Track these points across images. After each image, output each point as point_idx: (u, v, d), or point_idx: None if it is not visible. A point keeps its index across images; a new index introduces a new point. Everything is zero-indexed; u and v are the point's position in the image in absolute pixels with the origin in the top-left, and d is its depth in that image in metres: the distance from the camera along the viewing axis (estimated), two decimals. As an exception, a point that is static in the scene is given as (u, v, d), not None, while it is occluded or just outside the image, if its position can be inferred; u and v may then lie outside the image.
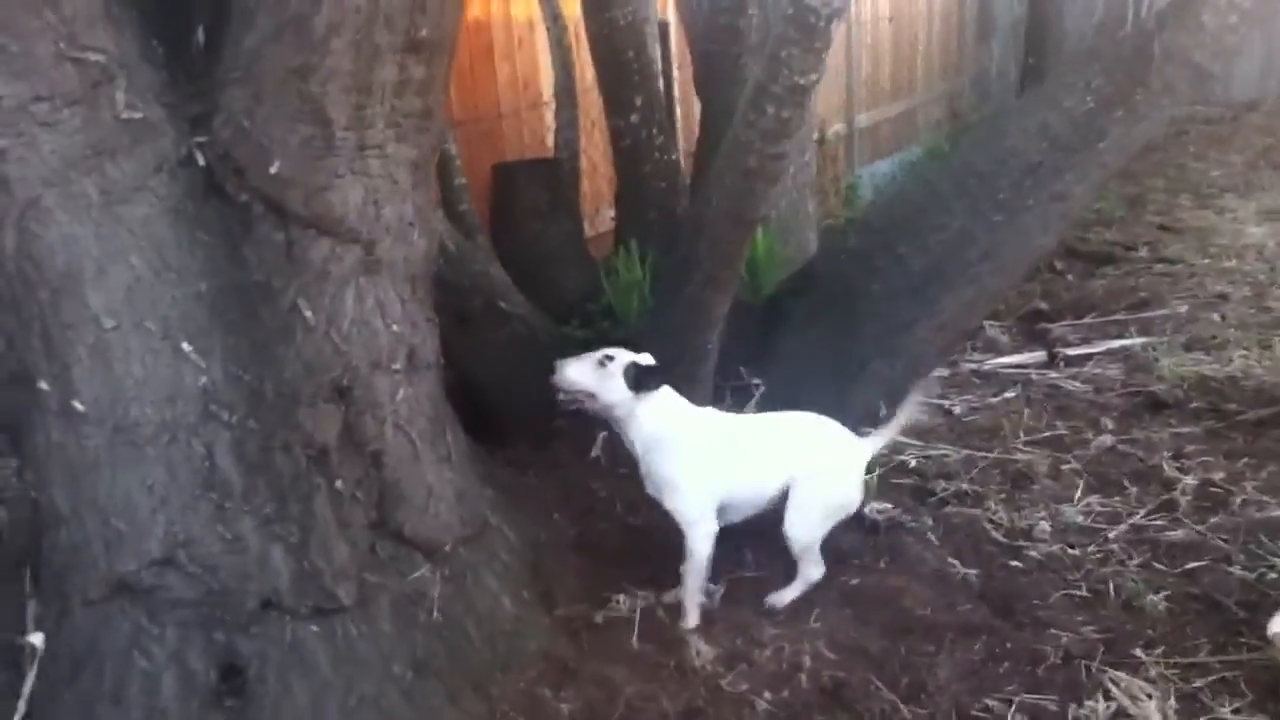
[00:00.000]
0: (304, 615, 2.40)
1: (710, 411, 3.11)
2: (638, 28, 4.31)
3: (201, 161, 2.27)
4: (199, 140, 2.26)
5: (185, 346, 2.26)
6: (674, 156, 4.64)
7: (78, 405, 2.23)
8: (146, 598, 2.31)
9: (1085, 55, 3.61)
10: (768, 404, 4.07)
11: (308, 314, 2.35)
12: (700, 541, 2.93)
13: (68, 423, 2.24)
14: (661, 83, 5.03)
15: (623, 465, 3.81)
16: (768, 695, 2.67)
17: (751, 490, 3.01)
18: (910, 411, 3.21)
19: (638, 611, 3.00)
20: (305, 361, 2.37)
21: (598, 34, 4.28)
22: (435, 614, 2.62)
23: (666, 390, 2.97)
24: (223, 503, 2.32)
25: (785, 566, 3.05)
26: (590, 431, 3.95)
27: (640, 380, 2.89)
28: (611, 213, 5.52)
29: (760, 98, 3.03)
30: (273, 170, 2.24)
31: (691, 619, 2.95)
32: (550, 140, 5.25)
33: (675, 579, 3.02)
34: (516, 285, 4.07)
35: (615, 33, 4.23)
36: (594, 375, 2.89)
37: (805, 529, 2.98)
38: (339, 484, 2.46)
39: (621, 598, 3.07)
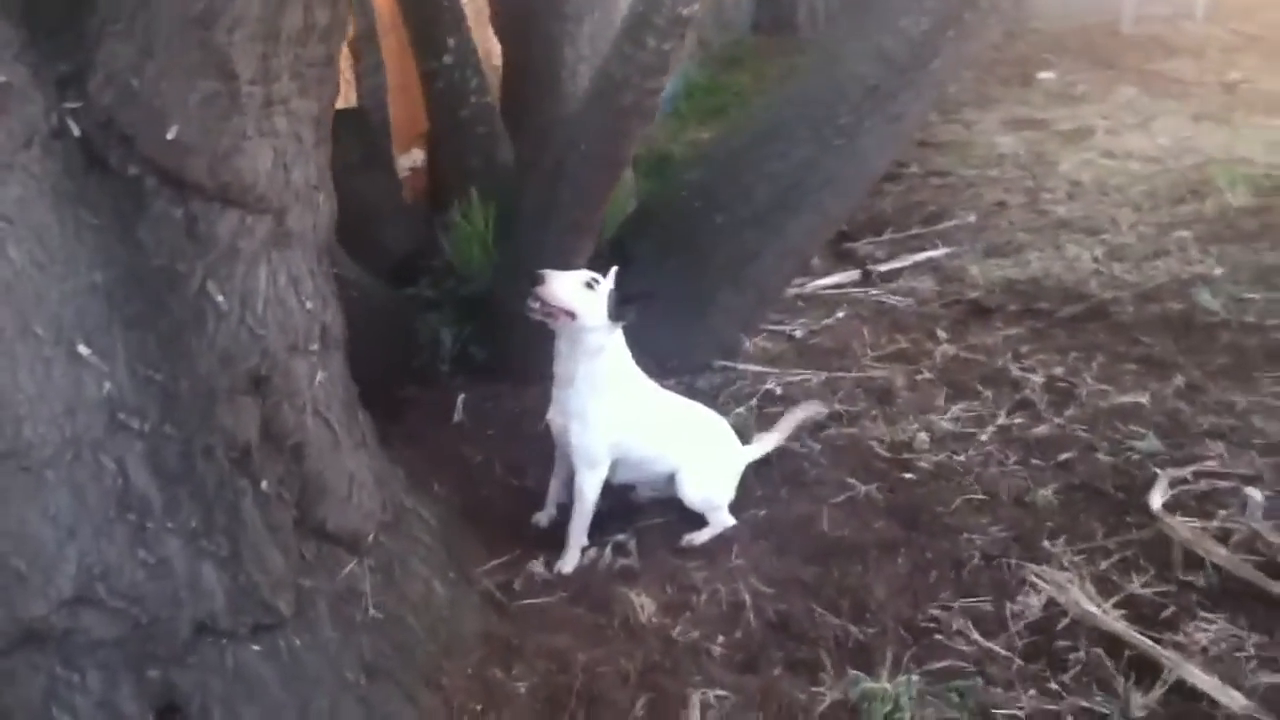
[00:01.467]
0: (243, 635, 2.15)
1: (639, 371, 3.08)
2: (447, -37, 4.07)
3: (76, 131, 1.93)
4: (70, 106, 1.92)
5: (82, 349, 1.94)
6: (490, 99, 4.43)
7: (-45, 432, 1.87)
8: (60, 643, 2.00)
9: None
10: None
11: (219, 298, 2.07)
12: (590, 486, 2.94)
13: (-56, 454, 1.88)
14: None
15: (490, 427, 3.67)
16: (720, 639, 2.65)
17: (641, 458, 3.05)
18: (793, 422, 3.33)
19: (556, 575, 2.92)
20: (220, 352, 2.09)
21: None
22: (371, 611, 2.41)
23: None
24: (142, 523, 2.03)
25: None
26: (447, 397, 3.78)
27: (620, 311, 2.84)
28: (408, 161, 5.25)
29: (639, 30, 2.92)
30: (170, 136, 1.93)
31: (569, 564, 2.94)
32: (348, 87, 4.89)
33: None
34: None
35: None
36: (581, 295, 2.80)
37: (703, 490, 3.07)
38: (264, 484, 2.21)
39: (534, 563, 2.95)
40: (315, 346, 2.27)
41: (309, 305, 2.24)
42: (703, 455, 3.08)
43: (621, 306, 2.84)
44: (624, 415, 2.93)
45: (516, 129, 4.43)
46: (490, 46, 5.01)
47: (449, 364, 3.89)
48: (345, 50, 4.59)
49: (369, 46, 4.45)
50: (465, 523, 3.10)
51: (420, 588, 2.57)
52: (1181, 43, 9.45)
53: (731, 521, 3.08)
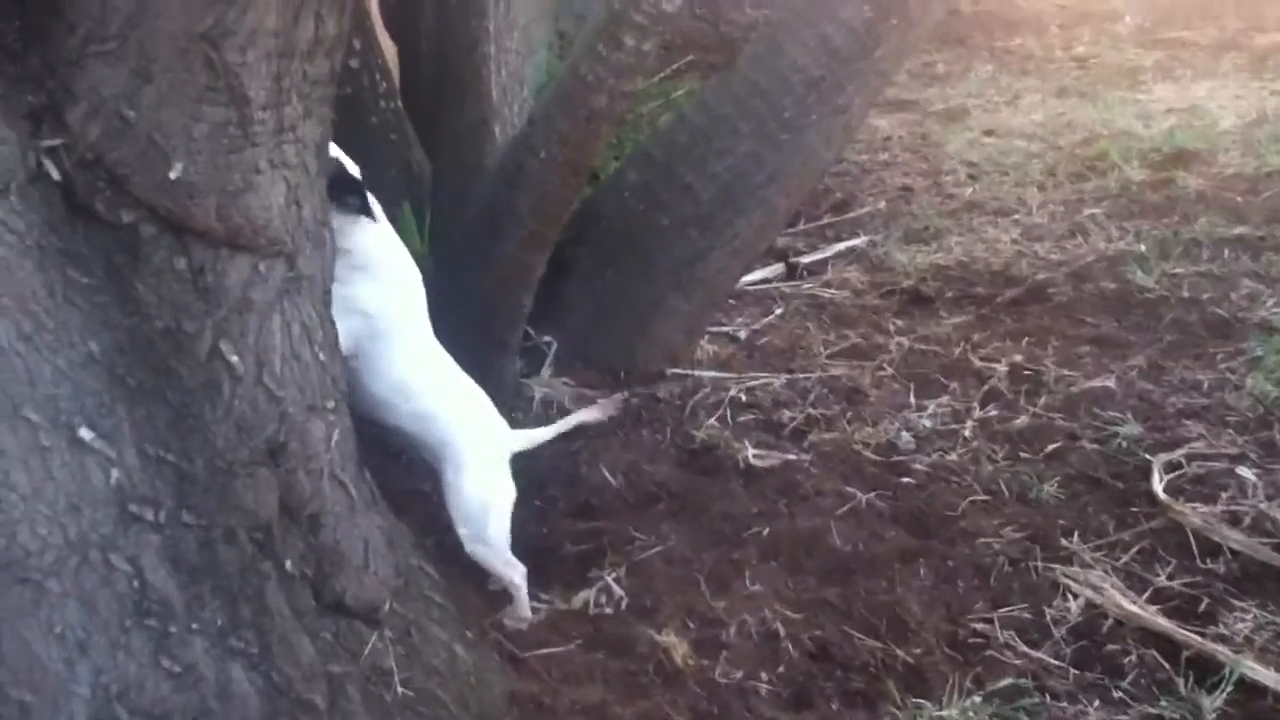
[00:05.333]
0: (281, 740, 1.87)
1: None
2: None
3: (56, 174, 1.61)
4: (47, 144, 1.60)
5: (84, 433, 1.63)
6: (397, 104, 4.12)
7: (-63, 546, 1.53)
8: (75, 780, 1.68)
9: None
10: (563, 361, 3.82)
11: (233, 359, 1.78)
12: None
13: (-75, 574, 1.54)
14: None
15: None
16: (764, 676, 2.49)
17: (381, 390, 2.58)
18: (571, 422, 3.02)
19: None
20: (237, 420, 1.80)
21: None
22: (400, 689, 2.16)
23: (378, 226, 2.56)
24: (165, 627, 1.73)
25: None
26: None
27: (342, 187, 2.39)
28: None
29: (616, 28, 2.71)
30: (173, 175, 1.64)
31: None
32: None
33: (563, 571, 2.81)
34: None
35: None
36: None
37: (486, 542, 2.65)
38: (288, 564, 1.93)
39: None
40: (332, 404, 1.99)
41: (322, 357, 1.97)
42: (461, 442, 2.65)
43: (343, 189, 2.39)
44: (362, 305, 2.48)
45: (429, 136, 4.13)
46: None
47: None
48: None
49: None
50: (452, 568, 2.83)
51: (443, 654, 2.32)
52: (1019, 18, 9.70)
53: (520, 574, 2.66)
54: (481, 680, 2.38)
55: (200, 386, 1.75)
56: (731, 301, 4.53)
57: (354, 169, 2.51)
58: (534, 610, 2.70)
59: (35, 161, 1.59)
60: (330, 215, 2.11)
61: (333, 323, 2.04)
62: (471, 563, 2.77)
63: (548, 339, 3.84)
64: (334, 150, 2.34)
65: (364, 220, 2.52)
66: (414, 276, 2.74)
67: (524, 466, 3.08)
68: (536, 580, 2.78)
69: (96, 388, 1.64)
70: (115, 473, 1.66)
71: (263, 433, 1.83)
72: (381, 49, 4.01)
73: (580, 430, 3.32)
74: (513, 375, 3.59)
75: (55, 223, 1.61)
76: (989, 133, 6.37)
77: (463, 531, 2.64)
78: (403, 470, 3.20)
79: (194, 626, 1.76)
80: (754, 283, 4.70)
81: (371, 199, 2.53)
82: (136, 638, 1.70)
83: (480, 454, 2.68)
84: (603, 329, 3.86)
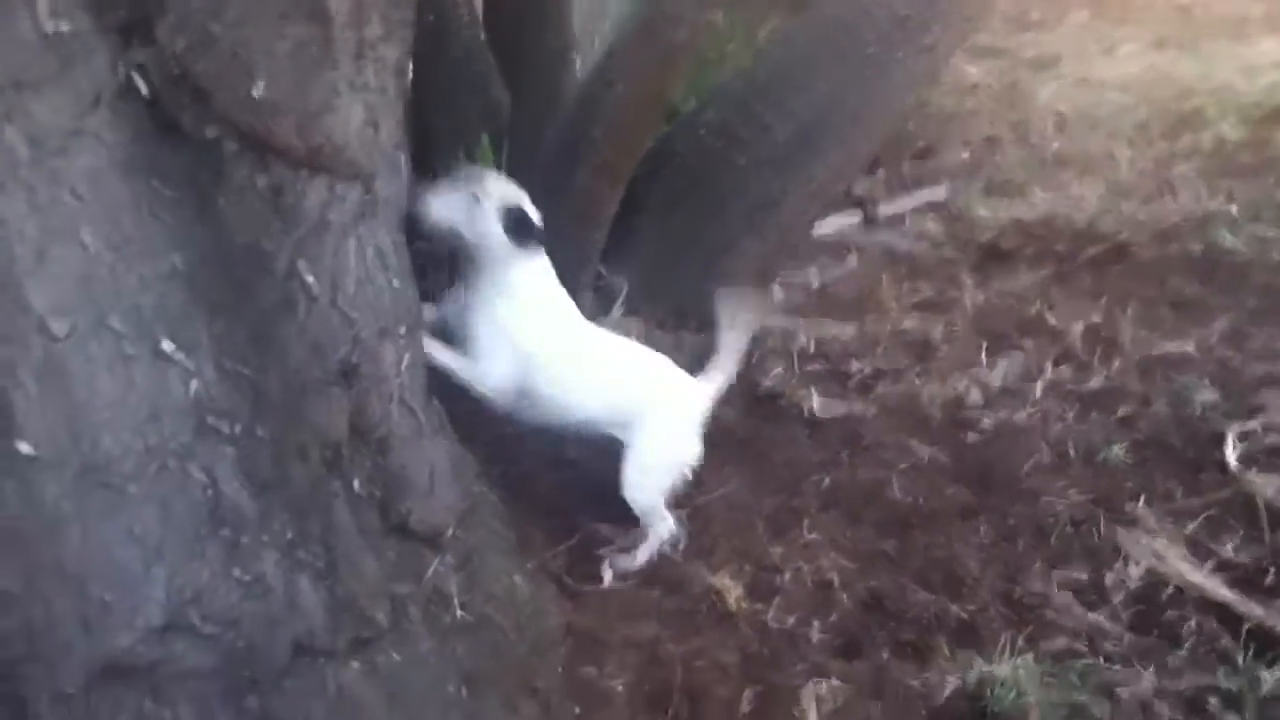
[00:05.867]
0: (342, 653, 1.93)
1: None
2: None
3: (144, 89, 1.63)
4: (136, 59, 1.62)
5: (166, 345, 1.66)
6: (479, 33, 4.10)
7: (24, 448, 1.58)
8: (149, 676, 1.74)
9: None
10: (633, 301, 3.80)
11: (309, 279, 1.80)
12: (485, 380, 2.48)
13: (12, 473, 1.59)
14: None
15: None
16: (816, 624, 2.51)
17: (560, 401, 2.60)
18: (739, 339, 2.94)
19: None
20: (311, 340, 1.83)
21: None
22: (460, 612, 2.20)
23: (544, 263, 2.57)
24: (236, 538, 1.77)
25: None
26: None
27: (519, 229, 2.41)
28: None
29: (700, -39, 2.66)
30: (256, 92, 1.65)
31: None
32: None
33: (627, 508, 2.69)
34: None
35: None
36: (462, 216, 2.36)
37: (647, 491, 2.64)
38: (356, 484, 1.97)
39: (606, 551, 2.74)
40: (403, 329, 2.01)
41: (396, 283, 1.99)
42: (656, 414, 2.65)
43: (523, 229, 2.41)
44: (521, 338, 2.49)
45: (509, 67, 4.11)
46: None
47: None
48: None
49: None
50: (516, 500, 2.87)
51: (503, 581, 2.37)
52: (1122, -37, 9.38)
53: (668, 531, 2.68)
54: (538, 610, 2.42)
55: (277, 305, 1.78)
56: (807, 249, 4.47)
57: (533, 212, 2.48)
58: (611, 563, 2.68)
59: (125, 75, 1.60)
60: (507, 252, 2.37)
61: (406, 248, 2.05)
62: (540, 494, 2.83)
63: (619, 277, 3.83)
64: (515, 191, 2.45)
65: (534, 259, 2.50)
66: (568, 305, 2.71)
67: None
68: (597, 513, 2.81)
69: (178, 300, 1.67)
70: (194, 384, 1.70)
71: (336, 353, 1.86)
72: (466, -23, 3.98)
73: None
74: (584, 311, 3.59)
75: (142, 136, 1.63)
76: (1081, 83, 6.17)
77: (633, 477, 2.61)
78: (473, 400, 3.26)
79: (264, 538, 1.80)
80: (829, 231, 4.64)
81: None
82: (210, 546, 1.75)
83: (673, 422, 2.69)
84: (673, 268, 3.84)
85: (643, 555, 2.66)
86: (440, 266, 2.68)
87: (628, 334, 3.64)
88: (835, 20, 3.61)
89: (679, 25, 2.78)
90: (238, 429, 1.75)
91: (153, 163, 1.65)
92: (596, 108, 3.11)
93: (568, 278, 3.46)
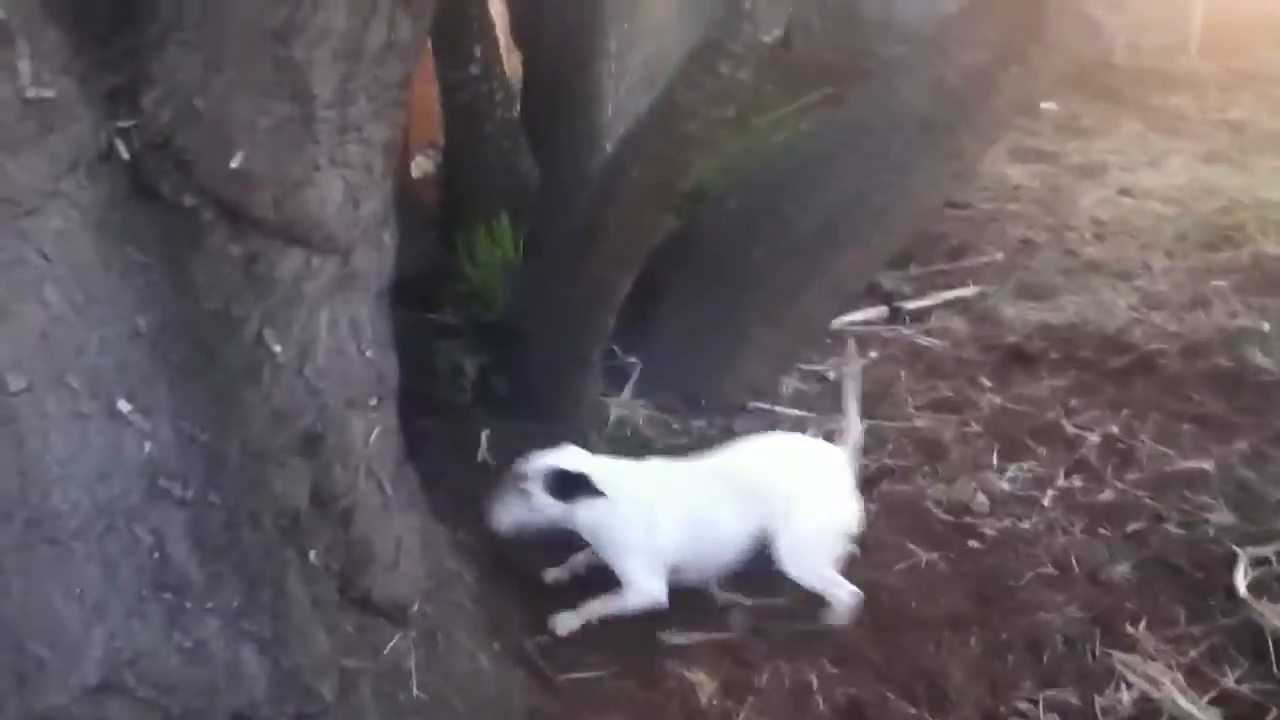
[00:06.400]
0: (284, 725, 1.90)
1: (654, 464, 2.84)
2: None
3: (125, 154, 1.67)
4: (121, 125, 1.66)
5: (122, 405, 1.68)
6: (513, 112, 4.18)
7: (-28, 498, 1.60)
8: (81, 738, 1.73)
9: (980, 8, 3.51)
10: (645, 383, 3.80)
11: (276, 347, 1.82)
12: (635, 600, 2.66)
13: (-42, 523, 1.61)
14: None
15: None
16: (789, 728, 2.43)
17: (713, 544, 2.71)
18: (855, 388, 3.00)
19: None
20: (274, 408, 1.84)
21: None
22: (416, 691, 2.17)
23: (612, 463, 2.74)
24: (180, 602, 1.77)
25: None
26: (469, 431, 3.51)
27: (567, 490, 2.60)
28: (414, 170, 4.99)
29: (713, 56, 2.69)
30: (234, 164, 1.68)
31: (564, 627, 2.65)
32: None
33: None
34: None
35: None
36: (522, 507, 2.64)
37: (809, 567, 2.67)
38: (312, 555, 1.96)
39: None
40: (374, 401, 2.02)
41: (369, 354, 2.00)
42: (797, 489, 2.69)
43: (568, 486, 2.59)
44: (649, 528, 2.64)
45: (540, 146, 4.18)
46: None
47: (470, 395, 3.62)
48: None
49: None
50: (497, 578, 2.84)
51: (465, 663, 2.33)
52: (1178, 76, 9.33)
53: (849, 595, 2.67)
54: (503, 692, 2.38)
55: (241, 371, 1.79)
56: (828, 341, 4.44)
57: (574, 461, 2.65)
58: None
59: (107, 141, 1.65)
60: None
61: (383, 321, 2.07)
62: (517, 573, 2.81)
63: (632, 359, 3.84)
64: (539, 466, 2.62)
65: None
66: (653, 468, 2.81)
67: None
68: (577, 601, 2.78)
69: (139, 362, 1.70)
70: (148, 446, 1.71)
71: (299, 422, 1.87)
72: (501, 57, 4.07)
73: (644, 451, 3.32)
74: (592, 391, 3.59)
75: (119, 201, 1.68)
76: (1124, 192, 6.12)
77: (791, 556, 2.66)
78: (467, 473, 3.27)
79: (209, 605, 1.80)
80: (855, 323, 4.61)
81: (590, 469, 2.63)
82: (152, 608, 1.75)
83: (823, 492, 2.73)
84: (688, 355, 3.84)
85: (837, 614, 2.68)
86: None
87: (635, 419, 3.65)
88: (860, 122, 3.63)
89: (692, 118, 2.80)
90: (190, 493, 1.76)
91: (127, 226, 1.69)
92: (612, 193, 3.14)
93: (576, 358, 3.50)
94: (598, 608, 2.66)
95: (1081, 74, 9.62)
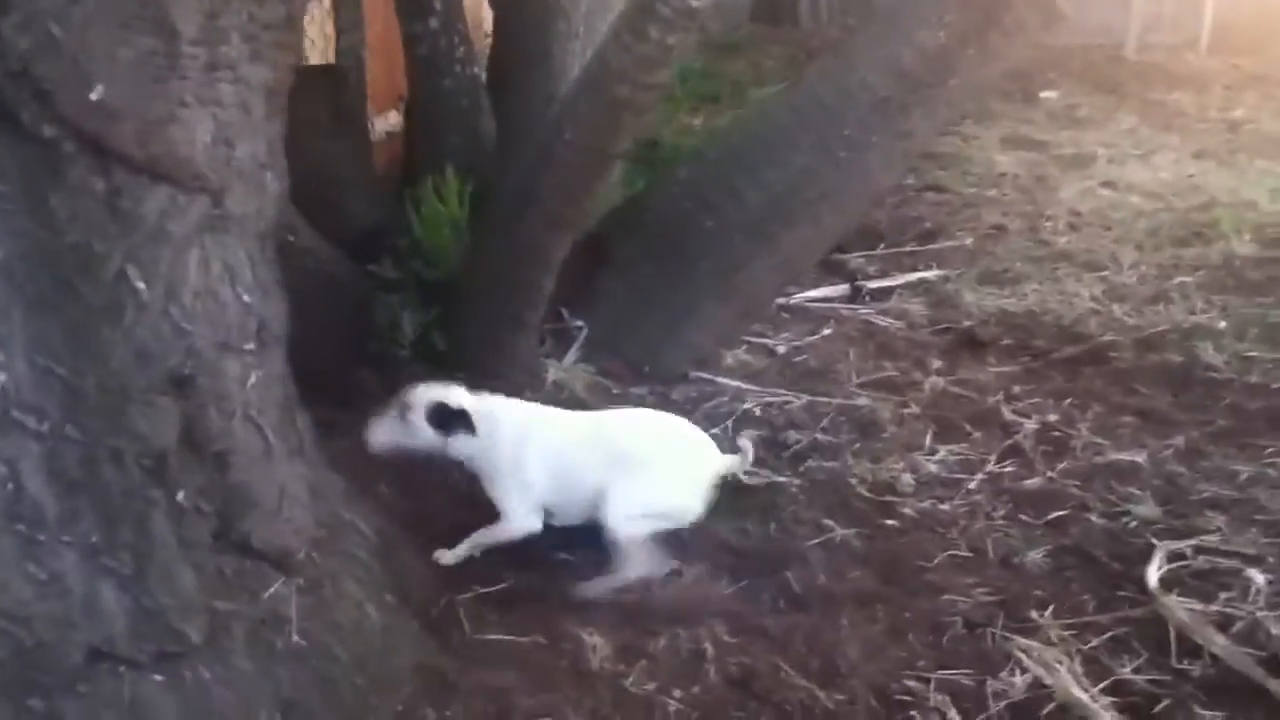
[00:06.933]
0: (145, 664, 1.92)
1: (538, 409, 2.93)
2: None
3: (-15, 82, 1.66)
4: (-22, 52, 1.65)
5: (-26, 334, 1.68)
6: (476, 70, 4.16)
7: None
8: (-71, 666, 1.74)
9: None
10: (591, 348, 3.79)
11: (140, 285, 1.81)
12: (510, 531, 2.80)
13: None
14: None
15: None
16: (676, 693, 2.43)
17: (570, 492, 2.81)
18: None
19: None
20: (137, 346, 1.83)
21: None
22: (295, 638, 2.17)
23: (494, 402, 2.82)
24: (34, 534, 1.78)
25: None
26: (403, 385, 3.51)
27: (445, 422, 2.74)
28: (384, 124, 4.98)
29: (642, 20, 2.67)
30: (94, 96, 1.67)
31: (449, 557, 2.80)
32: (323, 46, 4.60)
33: (530, 553, 2.82)
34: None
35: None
36: (399, 430, 2.77)
37: (623, 526, 2.71)
38: (180, 496, 1.95)
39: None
40: (251, 345, 2.02)
41: (246, 298, 1.99)
42: (646, 458, 2.78)
43: (449, 420, 2.73)
44: (525, 467, 2.77)
45: (501, 105, 4.17)
46: (483, 14, 4.75)
47: (408, 350, 3.62)
48: (326, 4, 4.32)
49: (348, 1, 4.15)
50: (411, 534, 2.85)
51: (352, 612, 2.33)
52: (1184, 74, 9.23)
53: (635, 575, 2.72)
54: (389, 646, 2.38)
55: (102, 308, 1.78)
56: (785, 315, 4.45)
57: (458, 399, 2.77)
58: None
59: (-36, 67, 1.64)
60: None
61: (267, 266, 2.05)
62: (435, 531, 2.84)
63: (579, 323, 3.83)
64: (421, 397, 2.76)
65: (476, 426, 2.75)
66: (530, 412, 2.90)
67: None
68: (502, 556, 2.82)
69: (-7, 292, 1.69)
70: (2, 376, 1.70)
71: (165, 363, 1.86)
72: (463, 12, 4.04)
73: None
74: (528, 353, 3.59)
75: (-24, 129, 1.66)
76: (1107, 184, 6.08)
77: (618, 509, 2.71)
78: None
79: (65, 538, 1.80)
80: (813, 299, 4.61)
81: (471, 407, 2.75)
82: (5, 540, 1.76)
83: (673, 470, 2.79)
84: (634, 322, 3.84)
85: (600, 586, 2.72)
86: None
87: (574, 383, 3.64)
88: (816, 98, 3.60)
89: (621, 81, 2.78)
90: (45, 426, 1.76)
91: (-16, 155, 1.67)
92: (547, 156, 3.13)
93: (513, 319, 3.49)
94: (479, 538, 2.79)
95: (1088, 65, 9.57)
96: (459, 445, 2.75)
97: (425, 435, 2.74)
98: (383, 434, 2.77)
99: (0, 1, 1.63)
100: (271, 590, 2.16)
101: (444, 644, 2.52)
